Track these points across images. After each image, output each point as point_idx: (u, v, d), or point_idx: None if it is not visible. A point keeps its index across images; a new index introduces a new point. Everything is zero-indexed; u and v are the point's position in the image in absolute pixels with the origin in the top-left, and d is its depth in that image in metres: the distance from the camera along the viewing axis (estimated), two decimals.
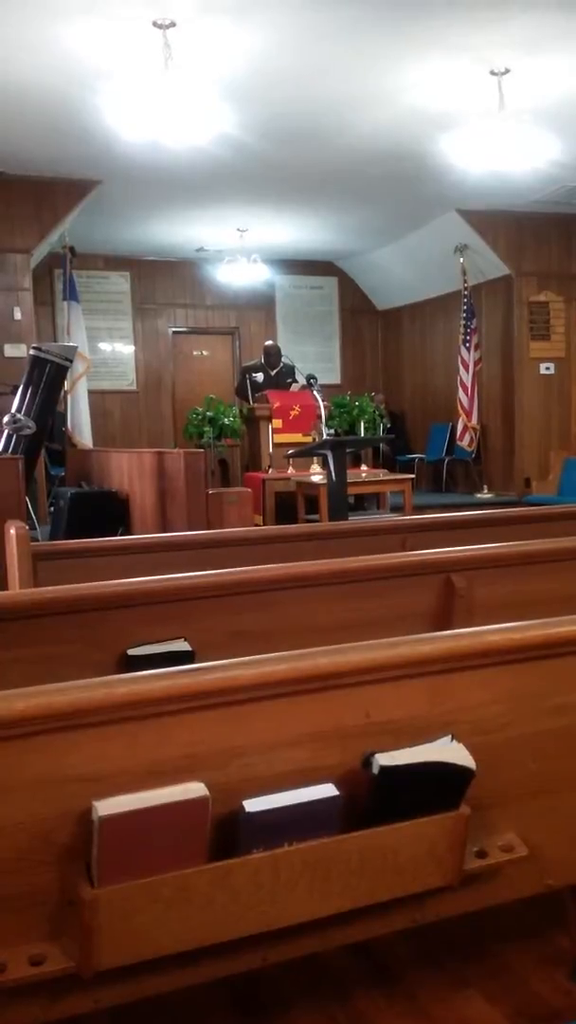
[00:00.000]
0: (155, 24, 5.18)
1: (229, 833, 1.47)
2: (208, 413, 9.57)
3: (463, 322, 10.16)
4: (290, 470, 8.30)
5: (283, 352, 10.10)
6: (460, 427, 10.28)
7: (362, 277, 12.49)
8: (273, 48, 5.61)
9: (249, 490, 6.74)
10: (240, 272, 10.59)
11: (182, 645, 2.17)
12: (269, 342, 10.46)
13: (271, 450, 8.62)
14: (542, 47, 5.65)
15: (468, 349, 10.08)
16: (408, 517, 5.38)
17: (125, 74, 5.66)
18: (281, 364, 9.89)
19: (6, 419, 7.00)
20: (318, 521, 6.96)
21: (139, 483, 7.01)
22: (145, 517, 6.84)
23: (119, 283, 11.55)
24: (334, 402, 9.66)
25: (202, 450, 7.17)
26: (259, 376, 9.81)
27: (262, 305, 12.14)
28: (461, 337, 10.18)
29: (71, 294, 9.44)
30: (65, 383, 8.04)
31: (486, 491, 10.34)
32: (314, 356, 12.04)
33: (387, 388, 12.44)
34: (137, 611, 2.21)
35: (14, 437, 6.94)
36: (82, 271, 10.42)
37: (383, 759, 1.51)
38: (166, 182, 8.17)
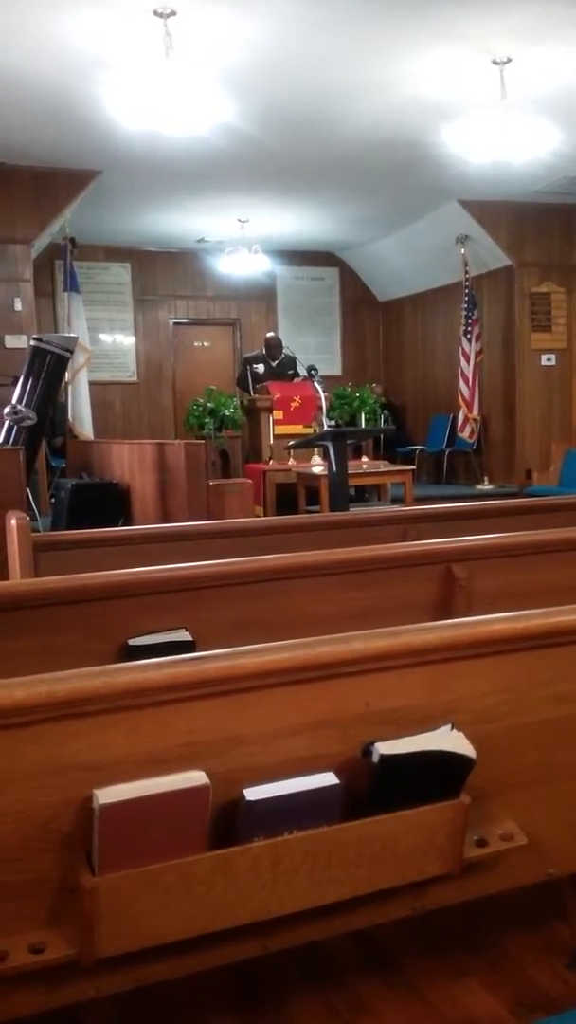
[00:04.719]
0: (155, 13, 5.16)
1: (229, 821, 1.48)
2: (209, 404, 9.54)
3: (464, 313, 10.14)
4: (291, 461, 8.30)
5: (284, 343, 10.09)
6: (461, 418, 10.27)
7: (363, 268, 12.46)
8: (274, 37, 5.59)
9: (250, 481, 6.75)
10: (241, 263, 10.56)
11: (183, 635, 2.17)
12: (271, 334, 10.45)
13: (272, 441, 8.61)
14: (544, 36, 5.62)
15: (469, 340, 10.06)
16: (409, 508, 5.37)
17: (125, 63, 5.63)
18: (282, 355, 9.88)
19: (7, 410, 7.00)
20: (319, 512, 6.96)
21: (140, 474, 7.02)
22: (146, 508, 6.85)
23: (120, 274, 11.52)
24: (335, 393, 9.63)
25: (203, 441, 7.17)
26: (260, 367, 9.80)
27: (263, 296, 12.12)
28: (462, 328, 10.17)
29: (72, 285, 9.42)
30: (66, 374, 8.03)
31: (487, 482, 10.32)
32: (315, 347, 12.02)
33: (388, 379, 12.42)
34: (138, 601, 2.21)
35: (15, 428, 6.95)
36: (83, 262, 10.39)
37: (383, 748, 1.51)
38: (167, 172, 8.15)
